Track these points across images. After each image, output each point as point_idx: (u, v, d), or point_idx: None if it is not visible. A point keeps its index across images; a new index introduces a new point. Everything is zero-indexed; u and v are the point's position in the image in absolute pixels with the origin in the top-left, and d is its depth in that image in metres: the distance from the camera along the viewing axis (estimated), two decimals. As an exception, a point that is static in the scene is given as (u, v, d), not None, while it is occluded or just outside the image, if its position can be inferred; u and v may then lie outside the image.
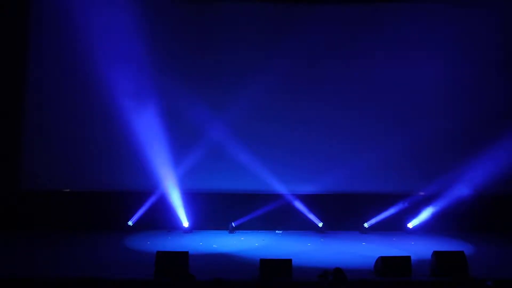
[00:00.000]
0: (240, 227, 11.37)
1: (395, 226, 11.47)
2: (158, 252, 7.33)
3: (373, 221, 11.48)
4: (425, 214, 11.47)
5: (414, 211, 11.51)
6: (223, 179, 11.36)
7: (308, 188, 11.36)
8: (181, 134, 11.34)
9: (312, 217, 11.52)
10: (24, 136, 11.26)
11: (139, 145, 11.13)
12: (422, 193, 11.52)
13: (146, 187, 11.26)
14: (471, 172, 11.09)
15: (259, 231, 11.32)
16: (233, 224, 11.35)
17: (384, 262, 7.37)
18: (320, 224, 11.48)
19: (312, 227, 11.49)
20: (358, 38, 11.71)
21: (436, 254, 7.51)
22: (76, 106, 11.33)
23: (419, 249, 9.27)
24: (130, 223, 11.22)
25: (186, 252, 7.40)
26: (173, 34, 11.57)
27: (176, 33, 11.57)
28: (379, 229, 11.39)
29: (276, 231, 11.44)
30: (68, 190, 11.28)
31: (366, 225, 11.48)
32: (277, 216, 11.45)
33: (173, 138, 11.26)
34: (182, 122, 11.35)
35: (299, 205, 11.48)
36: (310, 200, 11.53)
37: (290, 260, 7.31)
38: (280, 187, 11.30)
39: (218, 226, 11.38)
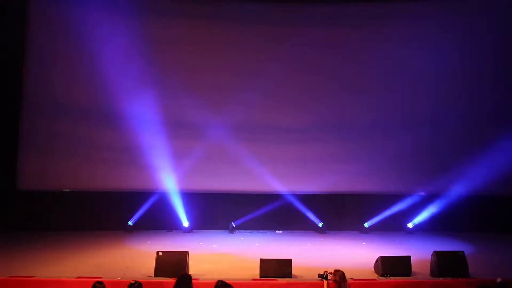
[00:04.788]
0: (240, 227, 11.37)
1: (395, 226, 11.48)
2: (158, 252, 7.33)
3: (373, 221, 11.49)
4: (425, 214, 11.49)
5: (414, 211, 11.53)
6: (223, 179, 11.35)
7: (308, 188, 11.36)
8: (181, 134, 11.34)
9: (312, 217, 11.52)
10: (24, 136, 11.24)
11: (139, 145, 11.13)
12: (422, 193, 11.54)
13: (146, 187, 11.26)
14: (471, 172, 11.09)
15: (259, 231, 11.33)
16: (233, 224, 11.35)
17: (384, 262, 7.37)
18: (320, 224, 11.49)
19: (312, 227, 11.50)
20: (358, 38, 11.73)
21: (436, 254, 7.51)
22: (76, 106, 11.31)
23: (419, 249, 9.27)
24: (130, 223, 11.23)
25: (186, 252, 7.41)
26: (173, 34, 11.56)
27: (176, 33, 11.56)
28: (379, 229, 11.41)
29: (276, 231, 11.45)
30: (68, 190, 11.28)
31: (366, 225, 11.49)
32: (277, 216, 11.46)
33: (173, 138, 11.27)
34: (182, 122, 11.35)
35: (299, 205, 11.48)
36: (310, 200, 11.53)
37: (290, 260, 7.32)
38: (280, 187, 11.29)
39: (218, 226, 11.39)
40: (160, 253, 7.31)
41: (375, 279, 7.20)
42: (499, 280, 6.22)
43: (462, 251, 7.65)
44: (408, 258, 7.53)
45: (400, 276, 7.24)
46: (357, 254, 9.11)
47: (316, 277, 6.76)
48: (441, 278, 7.16)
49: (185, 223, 11.31)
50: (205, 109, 11.26)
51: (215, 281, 5.65)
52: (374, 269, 7.65)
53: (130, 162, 11.23)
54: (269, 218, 11.43)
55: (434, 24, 11.72)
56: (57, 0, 11.36)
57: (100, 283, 5.52)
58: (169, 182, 11.19)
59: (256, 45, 11.63)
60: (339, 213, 11.64)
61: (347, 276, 6.50)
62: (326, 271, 6.60)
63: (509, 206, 11.63)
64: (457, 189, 11.24)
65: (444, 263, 7.36)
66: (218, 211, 11.51)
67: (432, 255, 7.60)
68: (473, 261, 7.78)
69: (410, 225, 11.50)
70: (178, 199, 11.30)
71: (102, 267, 7.85)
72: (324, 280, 6.54)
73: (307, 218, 11.52)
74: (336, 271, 6.38)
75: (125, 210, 11.33)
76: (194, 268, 7.45)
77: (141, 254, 8.90)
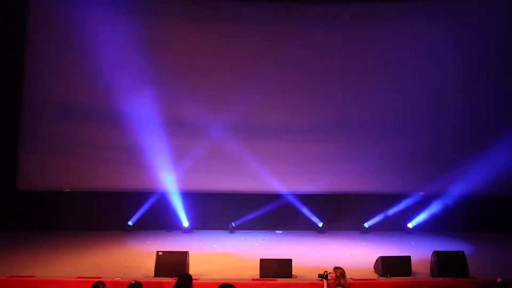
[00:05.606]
0: (240, 227, 11.37)
1: (395, 226, 11.48)
2: (158, 252, 7.34)
3: (373, 221, 11.49)
4: (425, 214, 11.49)
5: (414, 211, 11.54)
6: (223, 179, 11.35)
7: (308, 188, 11.35)
8: (181, 134, 11.34)
9: (312, 217, 11.52)
10: (24, 136, 11.24)
11: (139, 145, 11.13)
12: (422, 193, 11.53)
13: (146, 187, 11.25)
14: (471, 172, 11.09)
15: (259, 231, 11.33)
16: (233, 224, 11.35)
17: (384, 262, 7.37)
18: (320, 224, 11.49)
19: (312, 227, 11.50)
20: (357, 38, 11.73)
21: (436, 254, 7.51)
22: (76, 106, 11.30)
23: (419, 249, 9.28)
24: (130, 223, 11.23)
25: (186, 252, 7.41)
26: (173, 34, 11.56)
27: (176, 33, 11.56)
28: (379, 229, 11.40)
29: (276, 231, 11.45)
30: (68, 190, 11.28)
31: (366, 225, 11.49)
32: (277, 216, 11.46)
33: (173, 138, 11.26)
34: (182, 122, 11.35)
35: (299, 205, 11.48)
36: (310, 200, 11.53)
37: (290, 260, 7.32)
38: (280, 187, 11.28)
39: (218, 226, 11.39)
40: (160, 253, 7.31)
41: (375, 279, 7.21)
42: (499, 280, 6.23)
43: (462, 251, 7.65)
44: (408, 258, 7.54)
45: (400, 276, 7.24)
46: (357, 254, 9.10)
47: (316, 277, 6.76)
48: (441, 278, 7.17)
49: (185, 223, 11.31)
50: (205, 109, 11.25)
51: (215, 281, 5.65)
52: (374, 269, 7.65)
53: (130, 162, 11.22)
54: (269, 218, 11.42)
55: (433, 24, 11.72)
56: (57, 0, 11.36)
57: (101, 282, 5.52)
58: (169, 182, 11.19)
59: (255, 45, 11.62)
60: (339, 213, 11.64)
61: (347, 276, 6.51)
62: (326, 271, 6.60)
63: (509, 206, 11.63)
64: (457, 189, 11.24)
65: (444, 263, 7.36)
66: (218, 211, 11.50)
67: (432, 255, 7.60)
68: (473, 261, 7.79)
69: (410, 225, 11.50)
70: (178, 199, 11.30)
71: (102, 267, 7.85)
72: (324, 280, 6.55)
73: (307, 218, 11.52)
74: (336, 268, 6.43)
75: (125, 210, 11.32)
76: (194, 268, 7.45)
77: (141, 254, 8.90)
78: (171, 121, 11.30)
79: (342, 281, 6.33)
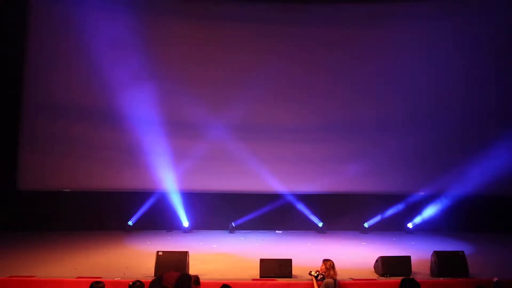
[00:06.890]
0: (240, 227, 11.37)
1: (395, 226, 11.48)
2: (158, 252, 7.34)
3: (373, 221, 11.49)
4: (425, 214, 11.49)
5: (414, 211, 11.54)
6: (223, 179, 11.34)
7: (308, 188, 11.35)
8: (181, 134, 11.33)
9: (312, 217, 11.52)
10: (24, 136, 11.22)
11: (139, 145, 11.13)
12: (422, 193, 11.53)
13: (146, 187, 11.25)
14: (471, 172, 11.09)
15: (259, 231, 11.33)
16: (233, 224, 11.35)
17: (384, 262, 7.37)
18: (320, 224, 11.49)
19: (312, 227, 11.50)
20: (359, 38, 11.72)
21: (436, 254, 7.52)
22: (76, 106, 11.28)
23: (419, 249, 9.28)
24: (130, 223, 11.23)
25: (186, 252, 7.41)
26: (173, 33, 11.54)
27: (176, 32, 11.55)
28: (379, 229, 11.40)
29: (276, 231, 11.45)
30: (68, 190, 11.28)
31: (366, 225, 11.49)
32: (277, 216, 11.46)
33: (173, 138, 11.26)
34: (182, 122, 11.35)
35: (299, 205, 11.48)
36: (310, 200, 11.53)
37: (290, 260, 7.32)
38: (280, 187, 11.28)
39: (218, 226, 11.39)
40: (160, 253, 7.31)
41: (375, 279, 7.21)
42: (495, 279, 6.25)
43: (462, 251, 7.66)
44: (408, 258, 7.54)
45: (400, 276, 7.22)
46: (357, 254, 9.11)
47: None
48: (441, 278, 7.17)
49: (185, 223, 11.31)
50: (205, 109, 11.24)
51: (215, 281, 5.65)
52: (374, 269, 7.65)
53: (130, 162, 11.21)
54: (269, 218, 11.41)
55: (434, 24, 11.70)
56: (57, 0, 11.36)
57: (97, 282, 5.50)
58: (169, 182, 11.19)
59: (257, 44, 11.61)
60: (339, 213, 11.63)
61: (347, 276, 6.51)
62: (318, 271, 6.61)
63: (509, 206, 11.63)
64: (457, 189, 11.23)
65: (444, 263, 7.37)
66: (218, 211, 11.49)
67: (432, 255, 7.61)
68: (473, 261, 7.79)
69: (410, 225, 11.50)
70: (178, 199, 11.30)
71: (102, 267, 7.85)
72: (314, 279, 6.54)
73: (307, 218, 11.52)
74: (326, 260, 6.47)
75: (125, 210, 11.32)
76: (194, 268, 7.45)
77: (141, 254, 8.90)
78: (171, 120, 11.28)
79: (331, 272, 6.38)
